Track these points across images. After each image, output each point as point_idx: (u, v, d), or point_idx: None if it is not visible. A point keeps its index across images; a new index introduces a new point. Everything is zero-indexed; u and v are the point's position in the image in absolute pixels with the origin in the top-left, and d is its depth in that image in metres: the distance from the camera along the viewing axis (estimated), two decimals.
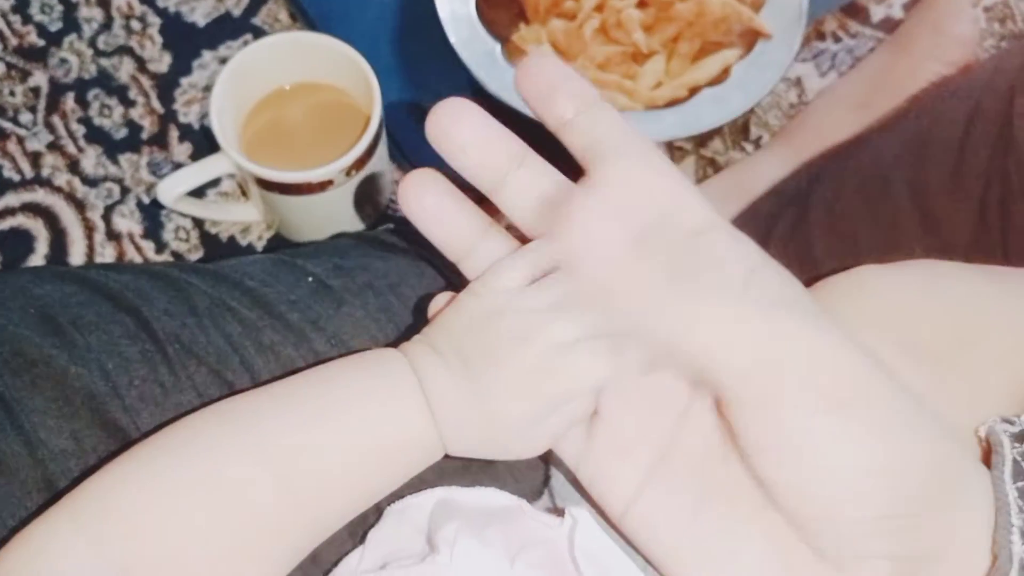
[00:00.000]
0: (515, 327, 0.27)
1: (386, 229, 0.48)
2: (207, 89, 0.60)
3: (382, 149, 0.53)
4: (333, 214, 0.55)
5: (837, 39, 0.64)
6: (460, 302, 0.28)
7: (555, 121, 0.28)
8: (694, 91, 0.57)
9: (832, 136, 0.52)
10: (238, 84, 0.50)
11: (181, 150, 0.59)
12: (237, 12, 0.62)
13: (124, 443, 0.31)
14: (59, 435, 0.31)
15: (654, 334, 0.25)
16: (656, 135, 0.56)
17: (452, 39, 0.57)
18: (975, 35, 0.59)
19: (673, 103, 0.57)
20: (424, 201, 0.30)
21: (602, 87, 0.56)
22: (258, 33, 0.62)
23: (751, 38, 0.59)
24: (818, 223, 0.41)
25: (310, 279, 0.37)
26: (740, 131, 0.60)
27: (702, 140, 0.60)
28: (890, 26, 0.63)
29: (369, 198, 0.56)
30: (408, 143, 0.58)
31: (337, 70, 0.52)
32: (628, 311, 0.25)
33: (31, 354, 0.31)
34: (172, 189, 0.49)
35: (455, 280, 0.40)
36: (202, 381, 0.33)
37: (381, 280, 0.38)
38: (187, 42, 0.61)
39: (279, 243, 0.57)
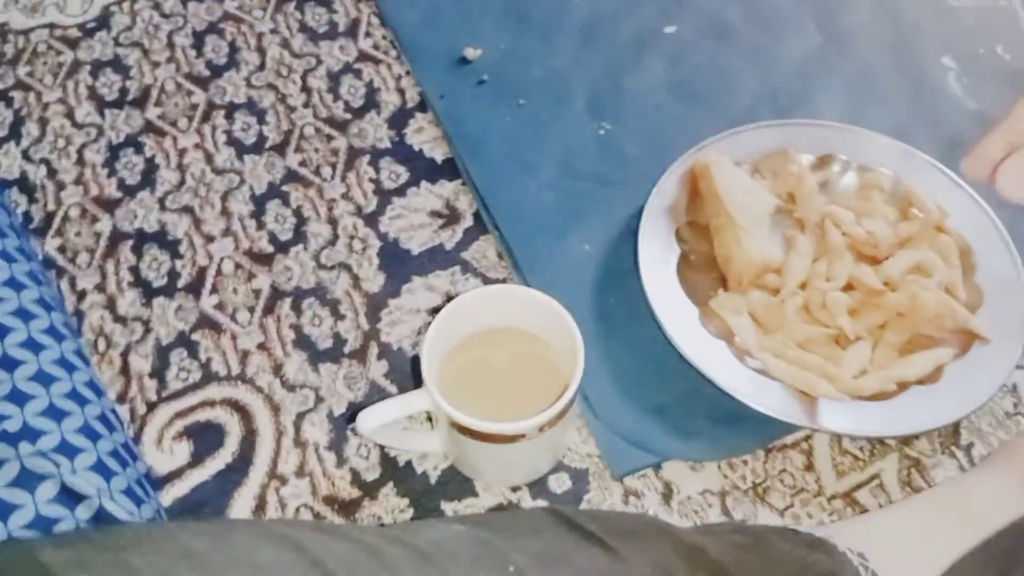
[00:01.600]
0: None
1: (583, 511, 0.47)
2: (411, 312, 0.63)
3: (575, 406, 0.52)
4: (515, 463, 0.54)
5: None
6: None
7: None
8: (902, 386, 0.55)
9: None
10: (450, 325, 0.52)
11: (378, 368, 0.60)
12: (449, 246, 0.66)
13: None
14: None
15: None
16: (859, 430, 0.53)
17: (651, 300, 0.57)
18: None
19: (878, 397, 0.54)
20: None
21: (803, 367, 0.55)
22: (465, 267, 0.65)
23: (967, 338, 0.57)
24: None
25: (512, 569, 0.36)
26: (950, 435, 0.57)
27: (907, 439, 0.56)
28: None
29: (553, 450, 0.56)
30: (595, 396, 0.58)
31: (544, 323, 0.53)
32: None
33: None
34: (371, 421, 0.50)
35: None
36: None
37: None
38: (401, 267, 0.65)
39: (453, 474, 0.56)
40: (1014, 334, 0.56)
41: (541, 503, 0.55)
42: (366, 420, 0.50)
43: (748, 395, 0.54)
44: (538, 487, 0.56)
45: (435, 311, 0.51)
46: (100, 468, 0.48)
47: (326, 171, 0.70)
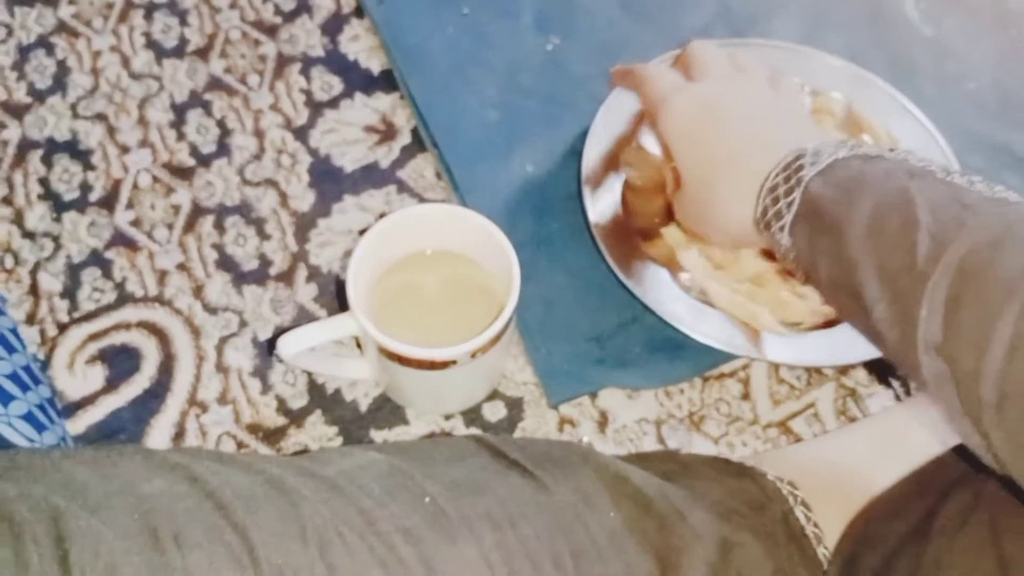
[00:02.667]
0: None
1: (508, 438, 0.45)
2: (342, 233, 0.60)
3: (510, 331, 0.50)
4: (448, 390, 0.53)
5: None
6: None
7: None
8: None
9: None
10: (379, 248, 0.49)
11: (306, 291, 0.58)
12: (385, 164, 0.62)
13: None
14: None
15: None
16: (797, 359, 0.52)
17: (592, 222, 0.55)
18: None
19: (829, 324, 0.54)
20: None
21: (751, 300, 0.53)
22: (401, 186, 0.62)
23: None
24: (1001, 525, 0.36)
25: (427, 500, 0.35)
26: (887, 365, 0.56)
27: (844, 368, 0.56)
28: None
29: (486, 377, 0.54)
30: (533, 323, 0.56)
31: (480, 246, 0.51)
32: None
33: (125, 573, 0.29)
34: (293, 346, 0.47)
35: (566, 508, 0.37)
36: None
37: (500, 509, 0.36)
38: (332, 184, 0.61)
39: (384, 402, 0.54)
40: None
41: (475, 431, 0.54)
42: (288, 344, 0.47)
43: (688, 324, 0.53)
44: (472, 415, 0.54)
45: (363, 235, 0.48)
46: None
47: (253, 79, 0.65)
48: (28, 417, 0.45)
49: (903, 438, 0.47)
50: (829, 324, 0.53)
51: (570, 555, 0.36)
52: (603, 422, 0.54)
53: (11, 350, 0.49)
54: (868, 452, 0.48)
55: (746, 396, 0.55)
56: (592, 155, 0.59)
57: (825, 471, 0.47)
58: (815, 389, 0.56)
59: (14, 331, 0.52)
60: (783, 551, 0.41)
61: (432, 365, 0.48)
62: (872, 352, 0.52)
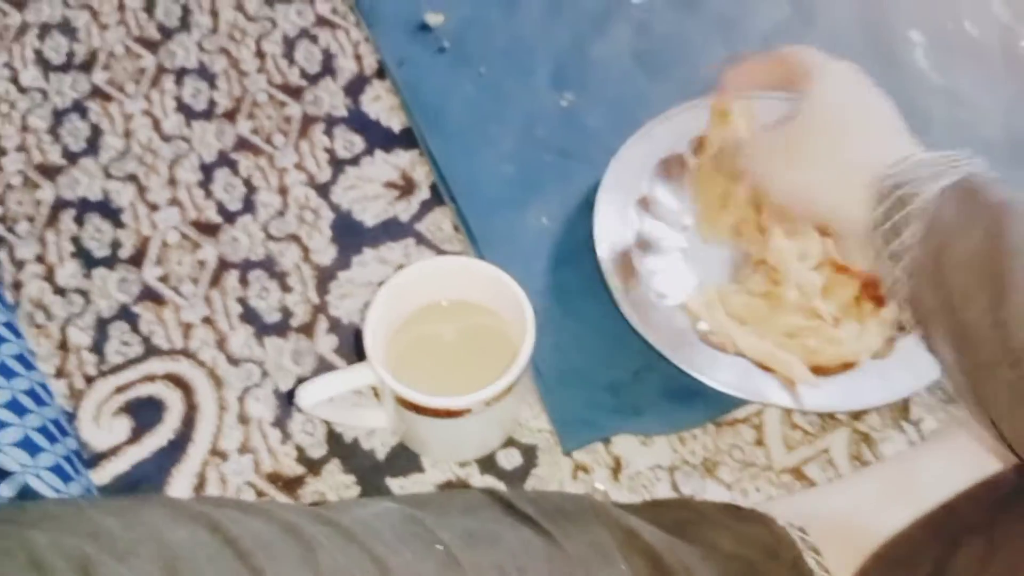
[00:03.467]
0: None
1: (521, 492, 0.46)
2: (362, 285, 0.61)
3: (524, 380, 0.51)
4: (462, 438, 0.53)
5: None
6: None
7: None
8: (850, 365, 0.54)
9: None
10: (396, 299, 0.51)
11: (326, 342, 0.59)
12: (404, 218, 0.64)
13: None
14: None
15: None
16: (814, 406, 0.52)
17: (607, 274, 0.56)
18: None
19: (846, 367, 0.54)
20: None
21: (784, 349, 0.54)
22: (420, 239, 0.63)
23: None
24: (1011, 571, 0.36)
25: (439, 548, 0.35)
26: (900, 410, 0.56)
27: (858, 413, 0.56)
28: None
29: (501, 425, 0.55)
30: (547, 371, 0.57)
31: (494, 296, 0.52)
32: None
33: None
34: (312, 396, 0.49)
35: (575, 563, 0.37)
36: None
37: (510, 560, 0.36)
38: (353, 238, 0.63)
39: (400, 451, 0.55)
40: None
41: (489, 479, 0.54)
42: (307, 394, 0.49)
43: (702, 371, 0.53)
44: (487, 463, 0.55)
45: (380, 286, 0.50)
46: (26, 444, 0.46)
47: (278, 139, 0.68)
48: (56, 469, 0.46)
49: (914, 482, 0.47)
50: (847, 367, 0.54)
51: None
52: (617, 468, 0.55)
53: (41, 403, 0.50)
54: (878, 496, 0.47)
55: (760, 442, 0.55)
56: (605, 207, 0.60)
57: (835, 516, 0.46)
58: (829, 434, 0.55)
59: (43, 385, 0.54)
60: None
61: (448, 414, 0.48)
62: (883, 397, 0.53)
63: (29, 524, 0.32)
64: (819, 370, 0.53)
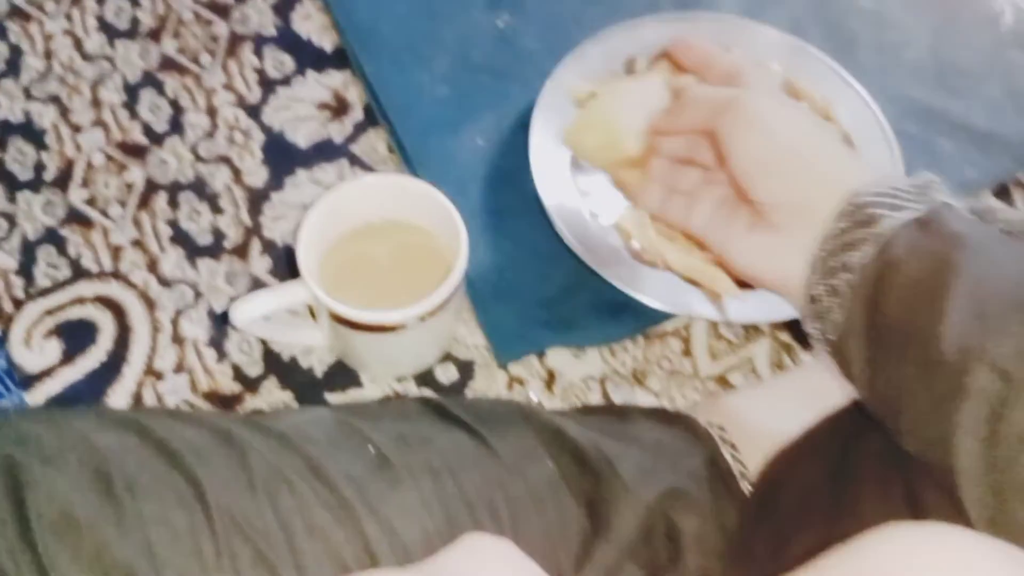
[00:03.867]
0: None
1: (454, 399, 0.47)
2: (296, 207, 0.61)
3: (458, 296, 0.52)
4: (399, 353, 0.54)
5: None
6: None
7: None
8: None
9: None
10: (329, 217, 0.51)
11: (260, 263, 0.59)
12: (338, 138, 0.64)
13: None
14: None
15: None
16: (738, 318, 0.54)
17: (542, 194, 0.57)
18: None
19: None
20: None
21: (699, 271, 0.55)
22: (354, 160, 0.63)
23: None
24: (910, 465, 0.38)
25: (372, 449, 0.37)
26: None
27: (779, 324, 0.58)
28: None
29: (437, 340, 0.56)
30: (483, 288, 0.58)
31: (428, 214, 0.52)
32: None
33: (79, 518, 0.30)
34: (246, 312, 0.49)
35: (505, 462, 0.39)
36: (245, 563, 0.32)
37: (440, 460, 0.37)
38: (285, 159, 0.62)
39: (338, 368, 0.56)
40: None
41: (427, 393, 0.55)
42: (241, 310, 0.49)
43: (631, 286, 0.54)
44: (424, 377, 0.56)
45: (314, 204, 0.50)
46: None
47: (205, 59, 0.66)
48: None
49: (825, 385, 0.49)
50: None
51: (506, 504, 0.38)
52: (551, 380, 0.56)
53: None
54: (793, 398, 0.50)
55: (687, 352, 0.57)
56: (540, 128, 0.60)
57: (752, 416, 0.49)
58: (752, 344, 0.58)
59: None
60: (709, 489, 0.43)
61: (382, 329, 0.49)
62: None
63: None
64: (743, 284, 0.55)
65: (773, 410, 0.49)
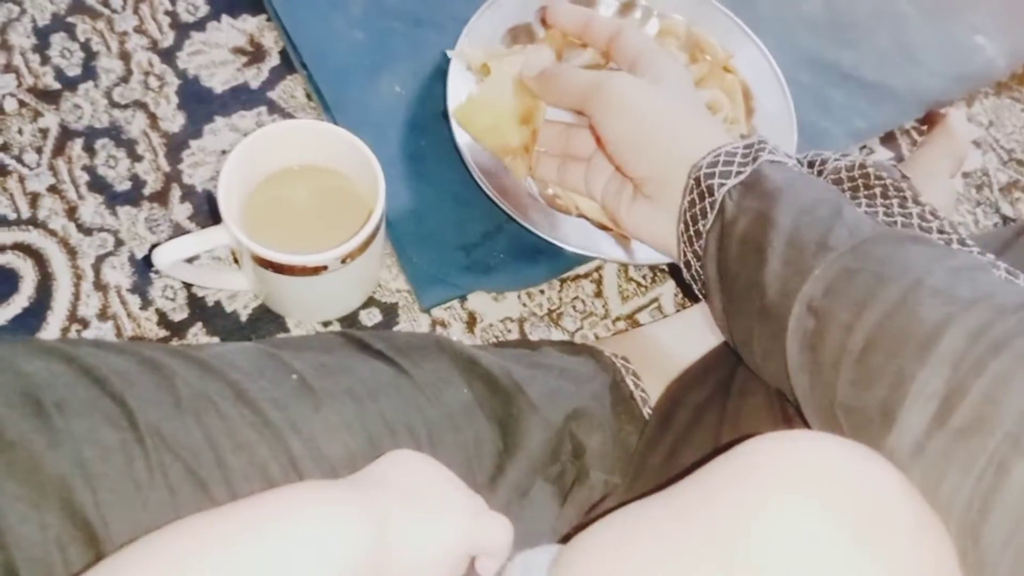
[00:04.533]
0: None
1: (373, 332, 0.49)
2: (215, 153, 0.61)
3: (379, 239, 0.54)
4: (323, 297, 0.56)
5: None
6: None
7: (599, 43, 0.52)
8: None
9: None
10: (248, 162, 0.52)
11: (181, 210, 0.59)
12: (255, 84, 0.64)
13: (89, 537, 0.31)
14: (26, 523, 0.31)
15: None
16: (645, 260, 0.58)
17: (459, 141, 0.59)
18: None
19: None
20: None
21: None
22: (272, 107, 0.63)
23: None
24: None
25: (294, 377, 0.39)
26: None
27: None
28: None
29: (359, 284, 0.58)
30: (404, 234, 0.60)
31: (347, 159, 0.54)
32: None
33: (10, 435, 0.32)
34: (168, 255, 0.50)
35: (422, 388, 0.42)
36: (176, 478, 0.33)
37: (361, 386, 0.40)
38: (202, 106, 0.63)
39: (263, 313, 0.57)
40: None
41: (339, 330, 0.57)
42: (163, 254, 0.50)
43: (546, 231, 0.57)
44: (348, 321, 0.58)
45: (233, 150, 0.50)
46: None
47: (116, 2, 0.65)
48: None
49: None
50: None
51: (424, 426, 0.41)
52: (471, 323, 0.59)
53: None
54: (690, 332, 0.54)
55: (599, 294, 0.61)
56: (456, 76, 0.62)
57: (653, 347, 0.53)
58: (659, 286, 0.62)
59: None
60: (612, 411, 0.47)
61: (304, 271, 0.51)
62: None
63: None
64: None
65: (672, 343, 0.53)
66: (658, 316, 0.61)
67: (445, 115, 0.60)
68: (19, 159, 0.59)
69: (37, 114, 0.61)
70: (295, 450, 0.36)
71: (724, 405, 0.43)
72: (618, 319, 0.60)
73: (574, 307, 0.60)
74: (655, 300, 0.61)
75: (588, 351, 0.51)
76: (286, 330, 0.57)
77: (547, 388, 0.45)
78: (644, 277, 0.62)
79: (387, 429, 0.39)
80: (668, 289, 0.62)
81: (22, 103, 0.61)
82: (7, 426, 0.32)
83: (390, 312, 0.59)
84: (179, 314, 0.57)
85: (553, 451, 0.43)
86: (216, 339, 0.56)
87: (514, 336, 0.59)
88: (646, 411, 0.49)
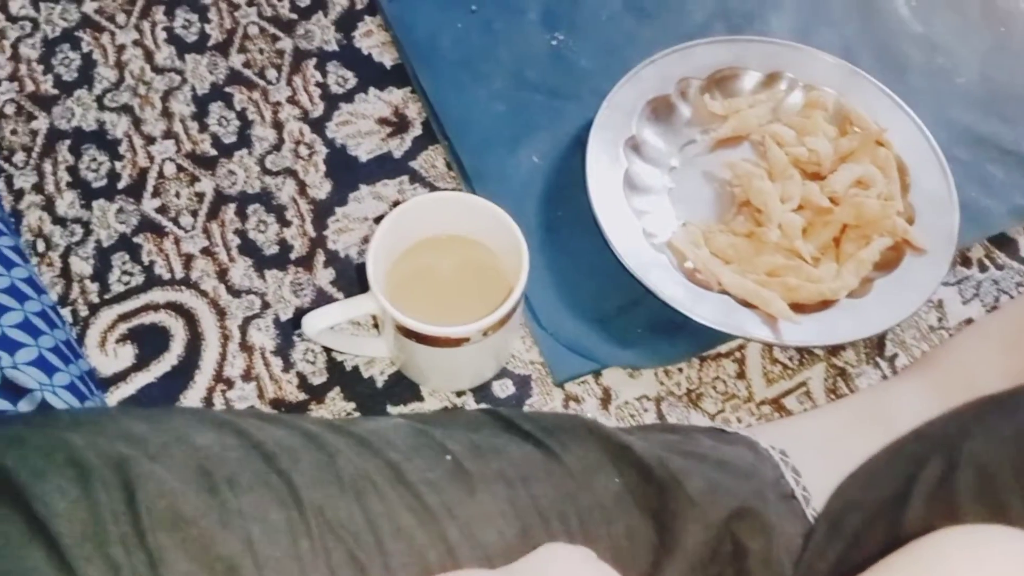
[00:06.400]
0: None
1: (519, 411, 0.49)
2: (358, 220, 0.63)
3: (519, 312, 0.54)
4: (460, 367, 0.56)
5: (983, 268, 0.63)
6: None
7: None
8: (828, 303, 0.57)
9: (979, 377, 0.50)
10: (396, 231, 0.52)
11: (324, 275, 0.61)
12: (398, 154, 0.65)
13: None
14: None
15: None
16: (793, 341, 0.55)
17: (597, 212, 0.58)
18: None
19: (811, 308, 0.57)
20: None
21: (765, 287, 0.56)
22: (413, 176, 0.65)
23: (896, 256, 0.59)
24: (967, 487, 0.39)
25: (448, 457, 0.38)
26: (875, 346, 0.59)
27: (835, 349, 0.59)
28: None
29: (496, 355, 0.57)
30: (540, 305, 0.59)
31: (491, 232, 0.54)
32: None
33: (186, 512, 0.32)
34: (318, 323, 0.51)
35: (573, 474, 0.40)
36: (337, 561, 0.33)
37: (513, 470, 0.39)
38: (348, 174, 0.64)
39: (399, 379, 0.58)
40: (941, 252, 0.58)
41: (485, 407, 0.57)
42: (312, 322, 0.51)
43: (687, 307, 0.55)
44: (482, 392, 0.57)
45: (382, 220, 0.51)
46: (41, 363, 0.47)
47: (271, 73, 0.68)
48: (71, 388, 0.48)
49: (887, 411, 0.50)
50: (825, 305, 0.57)
51: (576, 515, 0.39)
52: (606, 399, 0.57)
53: (52, 325, 0.52)
54: (854, 424, 0.51)
55: (741, 375, 0.58)
56: (596, 147, 0.62)
57: (814, 441, 0.50)
58: (807, 369, 0.59)
59: (54, 308, 0.55)
60: (773, 510, 0.44)
61: (446, 342, 0.51)
62: (858, 332, 0.56)
63: (64, 428, 0.33)
64: (798, 307, 0.56)
65: (835, 436, 0.50)
66: (806, 402, 0.58)
67: (582, 186, 0.60)
68: (176, 221, 0.62)
69: (194, 179, 0.64)
70: (452, 537, 0.35)
71: (897, 513, 0.40)
72: (762, 403, 0.58)
73: (714, 388, 0.58)
74: (803, 384, 0.58)
75: (744, 442, 0.48)
76: (420, 398, 0.57)
77: (706, 482, 0.43)
78: (791, 359, 0.59)
79: (540, 517, 0.38)
80: (817, 373, 0.58)
81: (180, 168, 0.64)
82: (182, 501, 0.32)
83: (523, 384, 0.58)
84: (318, 377, 0.57)
85: (713, 552, 0.41)
86: (353, 404, 0.57)
87: (651, 416, 0.57)
88: (809, 511, 0.46)
